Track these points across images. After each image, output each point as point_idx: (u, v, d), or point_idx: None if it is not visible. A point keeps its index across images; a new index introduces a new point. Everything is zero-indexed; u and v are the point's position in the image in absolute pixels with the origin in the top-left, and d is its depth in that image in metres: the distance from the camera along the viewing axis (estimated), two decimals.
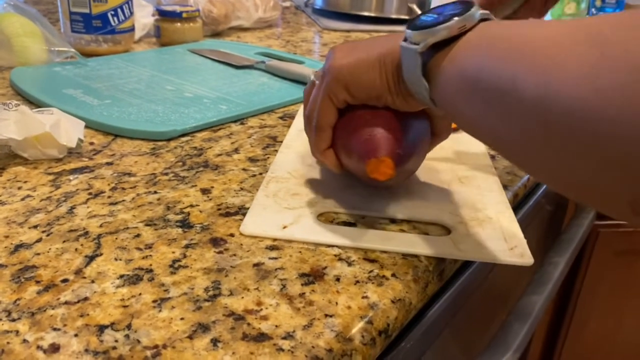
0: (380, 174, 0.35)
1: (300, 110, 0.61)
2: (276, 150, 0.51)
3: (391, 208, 0.41)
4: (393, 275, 0.33)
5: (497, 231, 0.38)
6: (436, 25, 0.31)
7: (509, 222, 0.40)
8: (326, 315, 0.30)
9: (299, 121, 0.57)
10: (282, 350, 0.27)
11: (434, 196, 0.43)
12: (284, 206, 0.40)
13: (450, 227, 0.39)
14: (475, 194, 0.43)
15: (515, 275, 0.67)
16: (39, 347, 0.27)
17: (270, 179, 0.43)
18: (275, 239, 0.36)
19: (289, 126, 0.57)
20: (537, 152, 0.24)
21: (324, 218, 0.39)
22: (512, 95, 0.25)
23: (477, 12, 0.31)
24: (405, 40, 0.33)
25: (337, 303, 0.31)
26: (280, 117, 0.60)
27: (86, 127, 0.52)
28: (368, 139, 0.36)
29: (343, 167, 0.40)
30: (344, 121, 0.39)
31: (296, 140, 0.52)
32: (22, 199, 0.40)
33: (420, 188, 0.44)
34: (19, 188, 0.42)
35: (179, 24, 0.88)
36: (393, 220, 0.40)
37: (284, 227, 0.37)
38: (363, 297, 0.31)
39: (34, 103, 0.59)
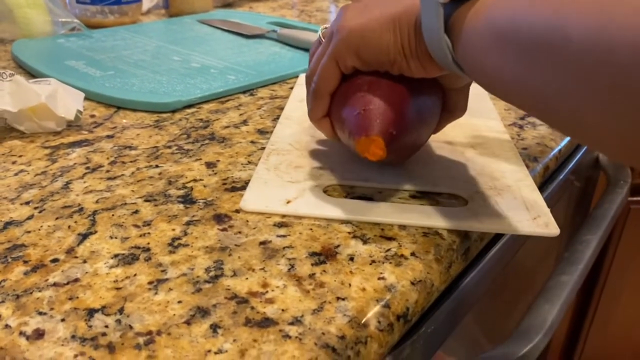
0: (370, 154, 0.31)
1: (301, 79, 0.57)
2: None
3: (401, 179, 0.37)
4: (413, 254, 0.30)
5: (518, 200, 0.35)
6: None
7: (530, 191, 0.36)
8: (338, 298, 0.27)
9: (298, 91, 0.53)
10: (289, 337, 0.24)
11: (448, 164, 0.40)
12: (287, 180, 0.37)
13: (468, 198, 0.35)
14: (491, 162, 0.40)
15: (542, 254, 0.64)
16: (21, 333, 0.24)
17: (270, 151, 0.40)
18: (284, 215, 0.33)
19: None
20: (598, 108, 0.20)
21: (331, 191, 0.36)
22: (564, 45, 0.20)
23: None
24: None
25: (350, 285, 0.28)
26: (292, 88, 0.56)
27: (88, 99, 0.50)
28: (361, 113, 0.32)
29: (339, 139, 0.37)
30: (342, 88, 0.35)
31: (297, 111, 0.48)
32: (16, 174, 0.38)
33: (431, 156, 0.41)
34: (13, 162, 0.39)
35: None
36: (404, 192, 0.36)
37: (288, 202, 0.34)
38: (379, 279, 0.28)
39: (35, 75, 0.57)
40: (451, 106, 0.37)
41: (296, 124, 0.45)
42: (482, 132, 0.46)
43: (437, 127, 0.38)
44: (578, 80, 0.20)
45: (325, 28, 0.37)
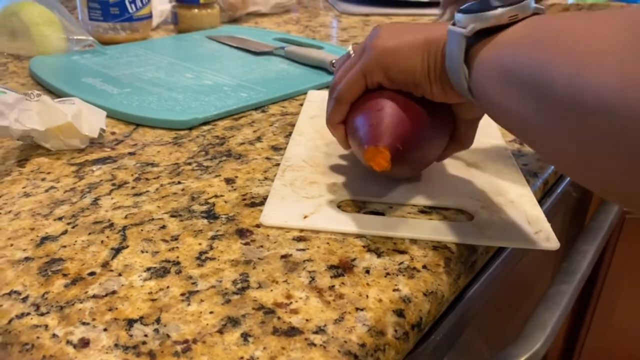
0: (376, 163, 0.34)
1: (310, 95, 0.60)
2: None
3: (410, 194, 0.40)
4: (424, 267, 0.33)
5: (521, 215, 0.38)
6: (487, 11, 0.30)
7: (531, 206, 0.39)
8: (357, 309, 0.29)
9: (308, 107, 0.56)
10: (314, 345, 0.27)
11: (453, 181, 0.42)
12: (303, 195, 0.39)
13: (473, 213, 0.38)
14: (494, 178, 0.43)
15: (541, 265, 0.66)
16: (68, 342, 0.26)
17: (285, 168, 0.43)
18: (302, 230, 0.36)
19: None
20: (570, 148, 0.23)
21: (344, 206, 0.38)
22: (547, 87, 0.24)
23: (531, 3, 0.30)
24: (454, 24, 0.32)
25: (367, 296, 0.30)
26: (301, 104, 0.59)
27: (107, 116, 0.52)
28: (373, 124, 0.35)
29: (349, 146, 0.40)
30: (362, 99, 0.38)
31: (308, 127, 0.51)
32: (46, 190, 0.40)
33: (437, 173, 0.43)
34: (43, 179, 0.42)
35: (196, 10, 0.87)
36: (413, 207, 0.39)
37: (305, 217, 0.36)
38: (394, 290, 0.30)
39: (53, 92, 0.59)
40: (460, 137, 0.40)
41: (308, 140, 0.48)
42: (485, 148, 0.48)
43: (442, 154, 0.41)
44: (554, 121, 0.24)
45: (356, 44, 0.40)
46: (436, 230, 0.36)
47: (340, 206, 0.38)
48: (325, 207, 0.38)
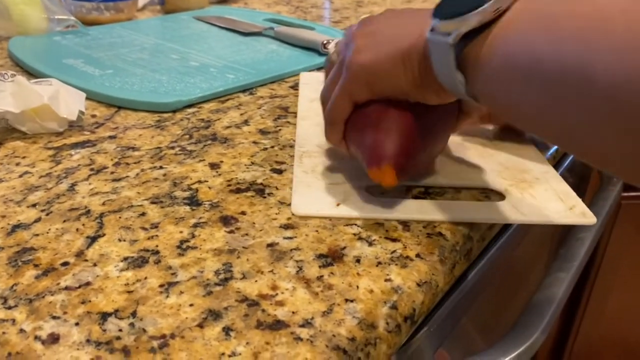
0: (383, 181, 0.33)
1: (303, 77, 0.58)
2: (288, 122, 0.48)
3: (436, 176, 0.39)
4: (417, 255, 0.31)
5: (550, 192, 0.37)
6: (468, 12, 0.27)
7: (557, 182, 0.39)
8: (347, 300, 0.27)
9: (305, 90, 0.54)
10: (301, 339, 0.25)
11: (477, 161, 0.41)
12: (328, 182, 0.37)
13: (503, 192, 0.37)
14: (513, 156, 0.42)
15: (535, 253, 0.65)
16: (36, 338, 0.25)
17: (301, 154, 0.41)
18: (289, 218, 0.34)
19: None
20: (611, 143, 0.21)
21: (372, 191, 0.37)
22: (590, 82, 0.21)
23: None
24: (432, 30, 0.29)
25: (358, 287, 0.28)
26: (292, 87, 0.57)
27: (88, 98, 0.50)
28: (371, 145, 0.34)
29: None
30: (355, 115, 0.36)
31: (310, 111, 0.49)
32: (20, 176, 0.38)
33: (459, 153, 0.43)
34: (17, 164, 0.40)
35: None
36: (440, 189, 0.38)
37: (338, 205, 0.35)
38: (386, 280, 0.29)
39: (32, 74, 0.56)
40: (468, 108, 0.38)
41: (315, 124, 0.46)
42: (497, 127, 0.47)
43: (454, 128, 0.39)
44: (601, 118, 0.21)
45: (348, 27, 0.37)
46: (474, 211, 0.35)
47: (367, 191, 0.37)
48: (354, 194, 0.36)
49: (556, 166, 0.56)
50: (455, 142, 0.44)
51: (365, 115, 0.35)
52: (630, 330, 1.05)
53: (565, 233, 0.59)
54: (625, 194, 0.86)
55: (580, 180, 0.71)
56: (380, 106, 0.34)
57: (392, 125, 0.33)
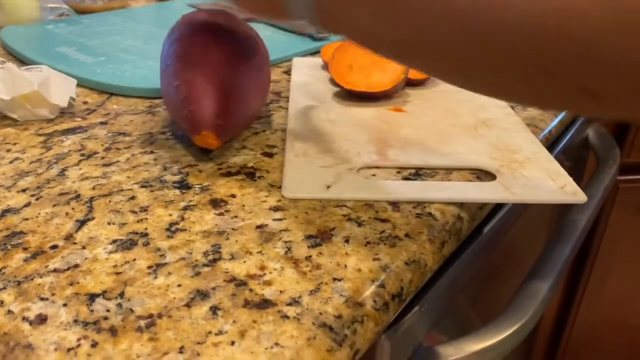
0: (208, 145, 0.36)
1: (295, 62, 0.58)
2: (280, 106, 0.48)
3: (427, 157, 0.39)
4: (407, 235, 0.31)
5: (542, 171, 0.37)
6: None
7: (548, 162, 0.39)
8: (334, 279, 0.27)
9: (297, 75, 0.54)
10: (287, 317, 0.25)
11: (466, 141, 0.41)
12: (319, 165, 0.37)
13: (494, 172, 0.37)
14: (504, 136, 0.42)
15: (532, 234, 0.65)
16: (24, 319, 0.25)
17: (293, 138, 0.41)
18: (278, 200, 0.34)
19: None
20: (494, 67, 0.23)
21: (363, 173, 0.37)
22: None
23: None
24: None
25: (346, 266, 0.28)
26: (285, 72, 0.57)
27: (80, 85, 0.50)
28: (187, 115, 0.36)
29: None
30: (169, 87, 0.38)
31: (302, 96, 0.49)
32: (11, 162, 0.38)
33: (449, 134, 0.43)
34: (8, 150, 0.40)
35: None
36: (431, 170, 0.38)
37: (328, 187, 0.35)
38: (374, 259, 0.29)
39: (25, 62, 0.56)
40: None
41: (307, 109, 0.46)
42: (487, 107, 0.47)
43: (268, 81, 0.42)
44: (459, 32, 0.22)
45: None
46: (465, 191, 0.35)
47: (359, 173, 0.37)
48: (346, 176, 0.36)
49: (551, 148, 0.56)
50: (446, 124, 0.44)
51: (177, 89, 0.37)
52: (629, 314, 1.05)
53: (560, 215, 0.59)
54: (623, 177, 0.86)
55: (576, 163, 0.71)
56: (189, 74, 0.37)
57: (201, 94, 0.36)
